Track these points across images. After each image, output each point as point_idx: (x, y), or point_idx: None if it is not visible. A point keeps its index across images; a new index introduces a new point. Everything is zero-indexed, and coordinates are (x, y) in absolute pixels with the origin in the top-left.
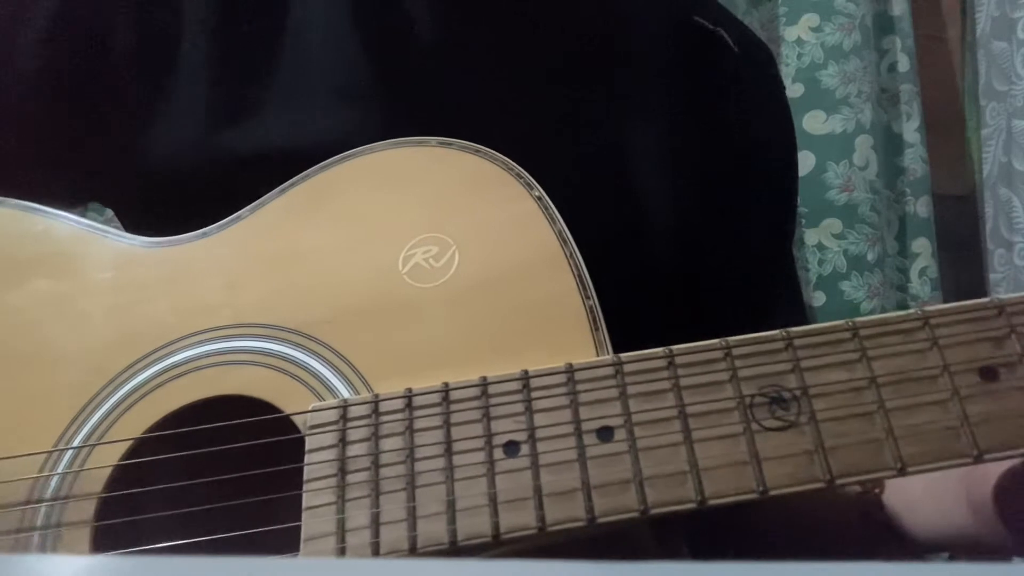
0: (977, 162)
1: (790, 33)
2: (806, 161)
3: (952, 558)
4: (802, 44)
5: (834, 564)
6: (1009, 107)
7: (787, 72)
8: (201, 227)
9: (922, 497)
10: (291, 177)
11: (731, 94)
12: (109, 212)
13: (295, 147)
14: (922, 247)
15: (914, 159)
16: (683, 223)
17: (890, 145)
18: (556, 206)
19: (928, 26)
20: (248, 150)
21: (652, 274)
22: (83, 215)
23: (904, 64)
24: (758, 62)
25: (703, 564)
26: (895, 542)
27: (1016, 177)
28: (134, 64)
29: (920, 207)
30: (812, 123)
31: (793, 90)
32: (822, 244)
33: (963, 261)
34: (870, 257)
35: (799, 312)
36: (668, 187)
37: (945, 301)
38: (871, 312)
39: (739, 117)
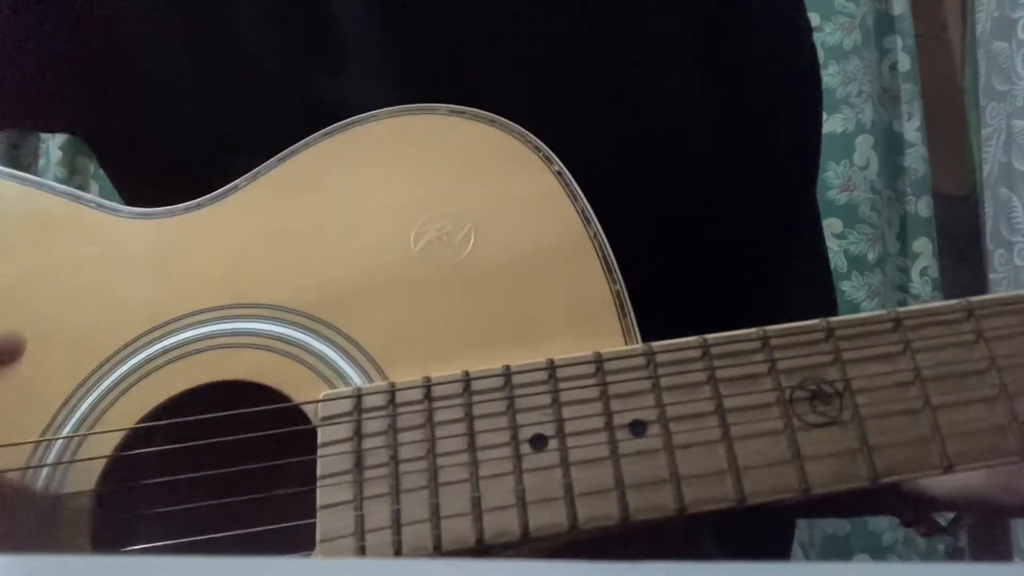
0: (977, 162)
1: None
2: None
3: (957, 519)
4: None
5: (834, 564)
6: (1009, 107)
7: None
8: (195, 186)
9: None
10: (303, 137)
11: (753, 36)
12: (96, 188)
13: (308, 101)
14: (923, 247)
15: (915, 159)
16: (708, 173)
17: (891, 145)
18: (571, 168)
19: (928, 26)
20: (246, 104)
21: (676, 225)
22: (69, 181)
23: (905, 63)
24: (780, 8)
25: (703, 564)
26: (905, 498)
27: (1016, 177)
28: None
29: (921, 207)
30: None
31: None
32: None
33: (964, 261)
34: (870, 257)
35: (820, 260)
36: (695, 138)
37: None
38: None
39: (762, 60)
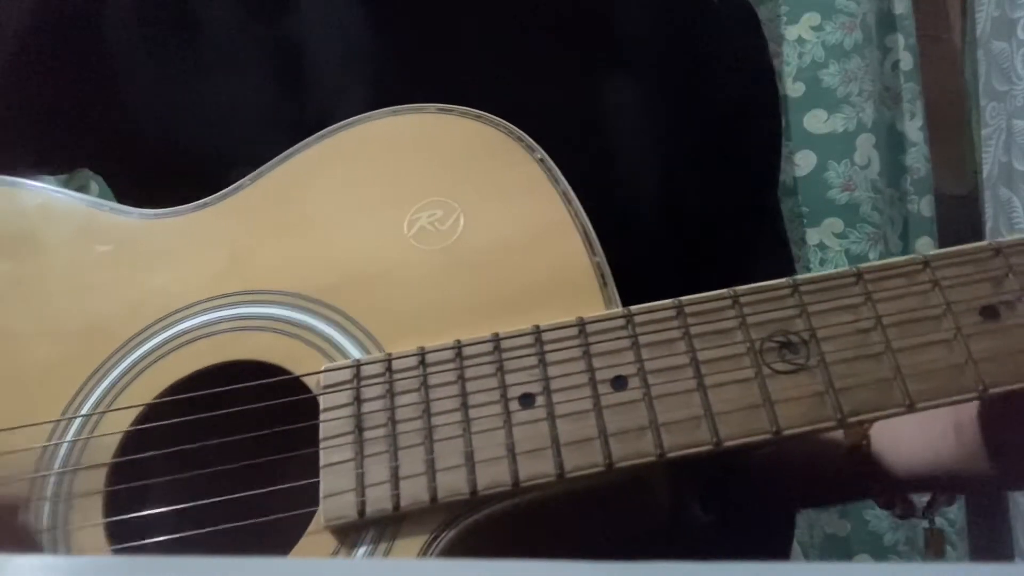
0: (978, 162)
1: (791, 32)
2: (807, 160)
3: (932, 501)
4: (803, 43)
5: (834, 564)
6: (1009, 107)
7: (788, 71)
8: (196, 197)
9: (908, 430)
10: (290, 142)
11: (712, 50)
12: (96, 188)
13: (293, 117)
14: (925, 246)
15: (917, 158)
16: (671, 178)
17: (893, 144)
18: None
19: (928, 26)
20: (248, 115)
21: (644, 228)
22: (69, 183)
23: (907, 62)
24: (738, 19)
25: (703, 564)
26: (880, 478)
27: (1016, 177)
28: (134, 22)
29: (924, 206)
30: (813, 122)
31: (794, 89)
32: (823, 243)
33: None
34: (871, 256)
35: (786, 263)
36: (651, 147)
37: None
38: None
39: (721, 72)
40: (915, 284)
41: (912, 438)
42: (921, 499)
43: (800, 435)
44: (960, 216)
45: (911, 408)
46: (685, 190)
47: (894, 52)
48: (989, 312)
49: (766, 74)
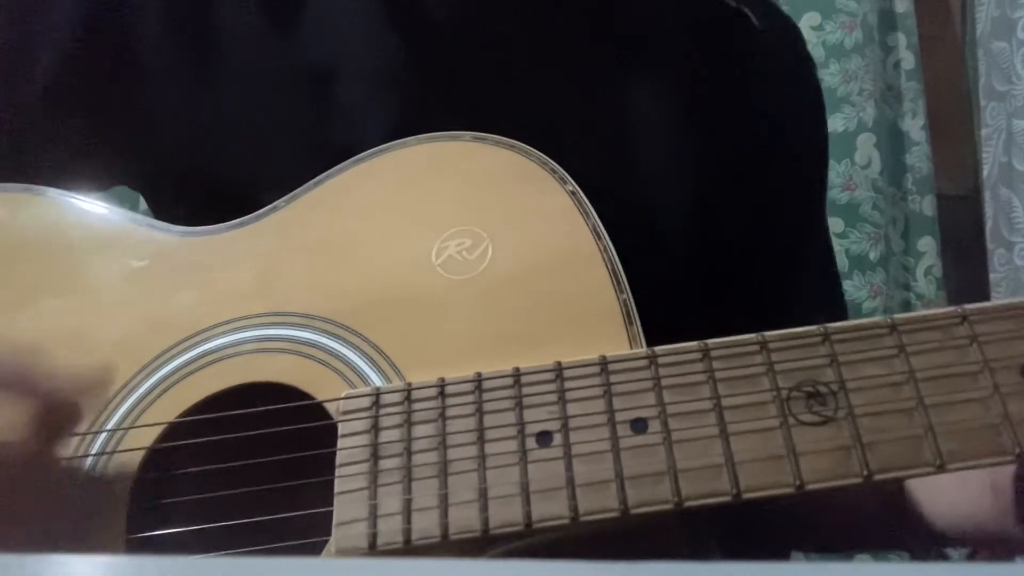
0: (978, 162)
1: None
2: None
3: (972, 556)
4: None
5: (834, 564)
6: (1009, 107)
7: None
8: (230, 216)
9: (945, 486)
10: (319, 164)
11: (756, 73)
12: (140, 203)
13: (325, 134)
14: (927, 246)
15: (919, 157)
16: (714, 206)
17: (895, 143)
18: (585, 194)
19: (929, 26)
20: (278, 138)
21: (680, 258)
22: (108, 198)
23: (909, 62)
24: (783, 39)
25: (703, 564)
26: (914, 531)
27: (1016, 177)
28: (166, 46)
29: (925, 205)
30: None
31: None
32: None
33: (966, 261)
34: (872, 256)
35: (833, 290)
36: (698, 169)
37: (949, 300)
38: (873, 311)
39: (766, 96)
40: (952, 338)
41: (950, 494)
42: (961, 552)
43: (823, 491)
44: (960, 216)
45: (941, 468)
46: (725, 214)
47: (896, 51)
48: None
49: (813, 95)
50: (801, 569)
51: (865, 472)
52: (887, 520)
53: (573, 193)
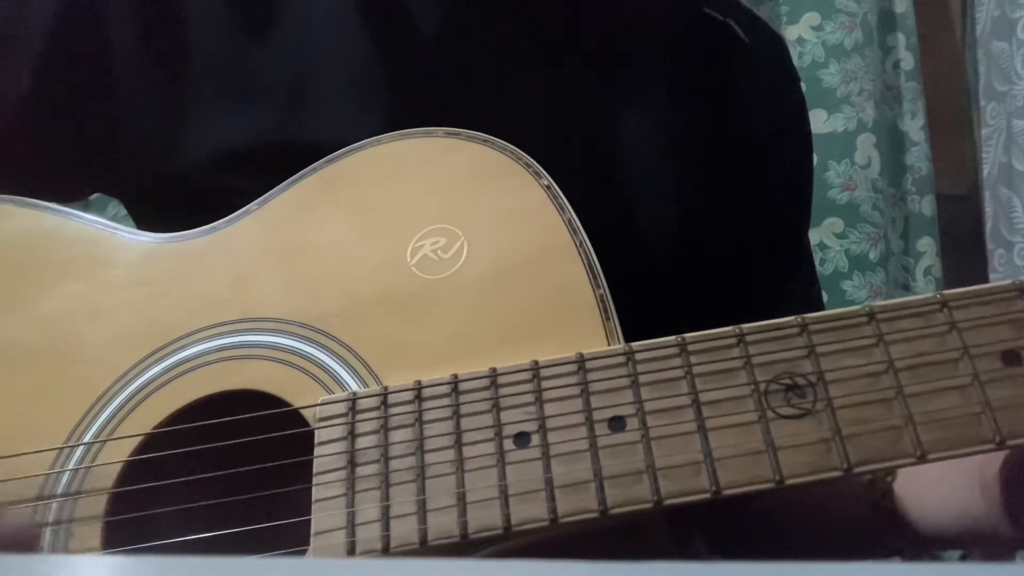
0: (978, 162)
1: (791, 32)
2: None
3: (964, 557)
4: (803, 43)
5: (834, 564)
6: (1009, 107)
7: None
8: (208, 221)
9: (934, 486)
10: (298, 171)
11: (742, 85)
12: (114, 208)
13: (301, 141)
14: (927, 246)
15: (919, 157)
16: (694, 217)
17: (895, 143)
18: (565, 197)
19: (929, 26)
20: (255, 144)
21: (661, 268)
22: (86, 207)
23: (908, 62)
24: (769, 53)
25: (703, 564)
26: (905, 534)
27: (1016, 177)
28: (139, 55)
29: (925, 205)
30: (813, 122)
31: None
32: (824, 243)
33: (965, 261)
34: (872, 256)
35: (816, 305)
36: (679, 180)
37: None
38: None
39: (751, 109)
40: (931, 326)
41: (938, 494)
42: (953, 554)
43: (804, 485)
44: (960, 216)
45: (922, 459)
46: (708, 227)
47: (895, 51)
48: (1011, 357)
49: (797, 109)
50: (801, 569)
51: (845, 465)
52: (873, 525)
53: (548, 187)
